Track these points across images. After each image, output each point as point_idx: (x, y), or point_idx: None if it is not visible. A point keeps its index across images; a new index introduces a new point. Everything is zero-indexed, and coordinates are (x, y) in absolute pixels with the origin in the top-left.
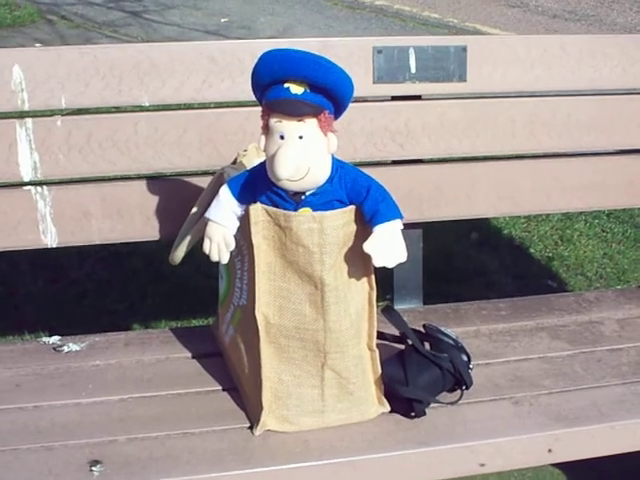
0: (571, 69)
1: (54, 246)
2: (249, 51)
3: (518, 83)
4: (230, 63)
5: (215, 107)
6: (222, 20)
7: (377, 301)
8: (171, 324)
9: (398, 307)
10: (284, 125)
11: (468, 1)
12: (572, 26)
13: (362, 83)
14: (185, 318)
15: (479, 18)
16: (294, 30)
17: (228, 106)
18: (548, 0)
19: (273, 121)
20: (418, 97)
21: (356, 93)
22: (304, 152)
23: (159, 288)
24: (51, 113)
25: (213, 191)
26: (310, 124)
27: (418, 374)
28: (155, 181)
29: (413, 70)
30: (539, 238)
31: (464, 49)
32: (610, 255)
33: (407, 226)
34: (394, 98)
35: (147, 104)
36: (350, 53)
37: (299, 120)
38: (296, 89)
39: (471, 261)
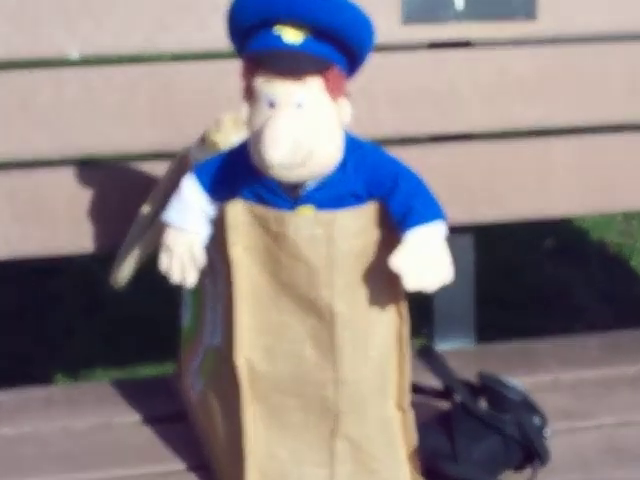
0: None
1: None
2: None
3: (615, 19)
4: None
5: (174, 60)
6: None
7: (413, 338)
8: (112, 374)
9: (441, 347)
10: (275, 88)
11: None
12: None
13: (386, 24)
14: (132, 365)
15: None
16: None
17: (193, 58)
18: None
19: (260, 82)
20: (467, 44)
21: (378, 39)
22: (304, 126)
23: (94, 322)
24: None
25: (173, 182)
26: (312, 86)
27: (470, 444)
28: (88, 168)
29: (459, 4)
30: None
31: None
32: None
33: (453, 230)
34: (432, 46)
35: (76, 56)
36: None
37: (297, 80)
38: (292, 35)
39: (546, 279)
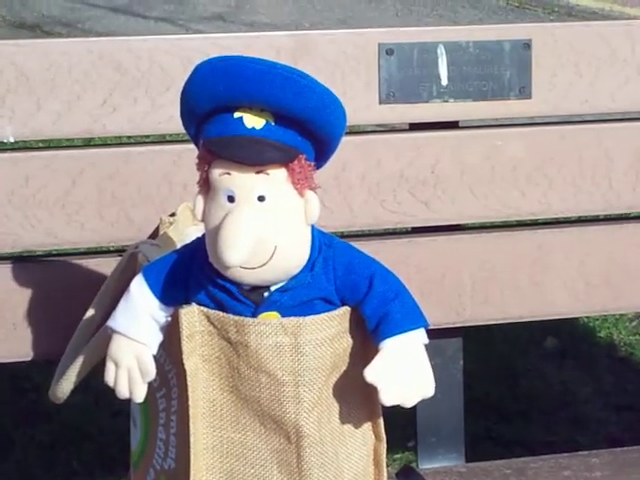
0: None
1: None
2: (178, 53)
3: (615, 98)
4: (147, 72)
5: (123, 144)
6: None
7: (391, 456)
8: None
9: (425, 466)
10: (235, 179)
11: None
12: None
13: (362, 104)
14: None
15: None
16: (253, 5)
17: (144, 143)
18: None
19: (217, 173)
20: (454, 124)
21: (353, 120)
22: (267, 223)
23: (34, 434)
24: None
25: (120, 284)
26: (276, 178)
27: None
28: (25, 265)
29: (444, 81)
30: None
31: (527, 45)
32: None
33: (437, 334)
34: (413, 127)
35: (11, 139)
36: (343, 55)
37: (259, 172)
38: (253, 121)
39: (546, 385)
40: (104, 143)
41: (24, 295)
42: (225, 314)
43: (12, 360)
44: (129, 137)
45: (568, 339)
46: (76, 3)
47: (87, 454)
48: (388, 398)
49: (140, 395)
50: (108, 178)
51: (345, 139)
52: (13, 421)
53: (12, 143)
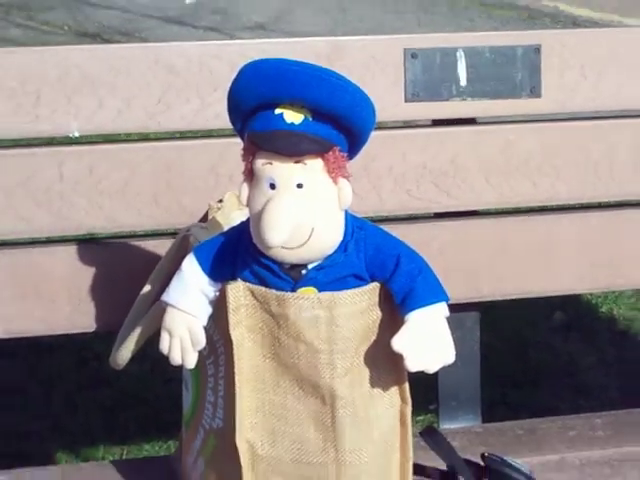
0: None
1: None
2: (224, 57)
3: (618, 98)
4: (197, 75)
5: (177, 139)
6: (187, 1)
7: (416, 417)
8: (113, 451)
9: (446, 427)
10: (276, 169)
11: None
12: None
13: (390, 102)
14: (134, 443)
15: None
16: (291, 15)
17: (195, 137)
18: None
19: (260, 163)
20: (471, 121)
21: (382, 117)
22: (304, 208)
23: (96, 398)
24: None
25: (174, 263)
26: (313, 167)
27: None
28: (89, 246)
29: (463, 82)
30: None
31: (537, 50)
32: None
33: (457, 308)
34: (436, 122)
35: (77, 134)
36: (371, 59)
37: (297, 161)
38: (292, 117)
39: (554, 355)
40: (159, 138)
41: (88, 273)
42: (267, 289)
43: (77, 331)
44: (181, 133)
45: (573, 314)
46: (133, 15)
47: (143, 417)
48: (413, 365)
49: (191, 362)
50: (163, 169)
51: (374, 133)
52: (77, 387)
53: (77, 138)
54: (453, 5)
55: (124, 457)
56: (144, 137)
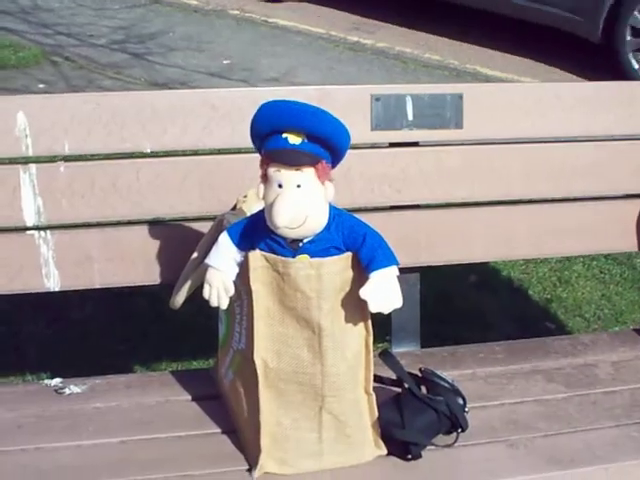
0: (566, 116)
1: (56, 289)
2: (249, 98)
3: (514, 130)
4: (230, 110)
5: (215, 154)
6: (224, 62)
7: (375, 344)
8: (172, 365)
9: (396, 350)
10: (282, 174)
11: (469, 44)
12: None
13: (360, 130)
14: (186, 359)
15: (480, 60)
16: (296, 72)
17: (228, 153)
18: None
19: (272, 170)
20: (415, 144)
21: (354, 140)
22: (302, 201)
23: (160, 329)
24: (54, 159)
25: (213, 237)
26: (308, 173)
27: (414, 417)
28: (156, 226)
29: (410, 117)
30: (538, 280)
31: (460, 97)
32: (608, 296)
33: (404, 270)
34: (392, 145)
35: (149, 150)
36: (348, 101)
37: (297, 169)
38: (294, 139)
39: (470, 303)
40: (205, 153)
41: (156, 244)
42: (276, 256)
43: (148, 283)
44: (219, 150)
45: (484, 275)
46: (188, 71)
47: (193, 341)
48: (374, 308)
49: (224, 304)
50: (207, 174)
51: (350, 151)
52: (149, 321)
53: (149, 153)
54: (405, 67)
55: (179, 369)
56: (195, 153)
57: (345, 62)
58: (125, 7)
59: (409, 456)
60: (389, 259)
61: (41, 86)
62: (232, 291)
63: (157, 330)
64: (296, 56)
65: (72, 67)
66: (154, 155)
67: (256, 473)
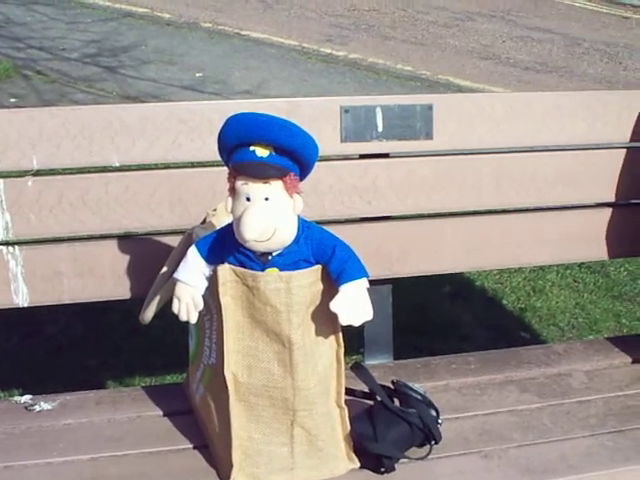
0: (536, 125)
1: (25, 305)
2: (218, 111)
3: (484, 140)
4: (200, 123)
5: (185, 167)
6: (197, 75)
7: (349, 355)
8: (145, 380)
9: (369, 362)
10: (250, 187)
11: (441, 54)
12: (544, 78)
13: (330, 142)
14: (159, 374)
15: (452, 70)
16: (268, 84)
17: (198, 166)
18: (520, 52)
19: (239, 183)
20: (386, 155)
21: (324, 152)
22: (270, 214)
23: (133, 344)
24: (23, 174)
25: (182, 251)
26: (276, 186)
27: (387, 430)
28: (126, 240)
29: (380, 128)
30: (512, 289)
31: (430, 107)
32: (582, 305)
33: (376, 282)
34: (362, 156)
35: (117, 164)
36: (318, 113)
37: (265, 182)
38: (262, 152)
39: (444, 314)
40: (174, 167)
41: (125, 258)
42: (245, 270)
43: (118, 298)
44: (189, 163)
45: (457, 286)
46: (160, 84)
47: (166, 357)
48: (344, 320)
49: (193, 319)
50: (176, 188)
51: (320, 163)
52: (120, 335)
53: (118, 166)
54: (377, 78)
55: (153, 384)
56: (165, 166)
57: (317, 74)
58: (98, 20)
59: (382, 469)
60: (359, 271)
61: (12, 100)
62: (201, 305)
63: (130, 345)
64: (268, 68)
65: (44, 81)
66: (123, 169)
67: None
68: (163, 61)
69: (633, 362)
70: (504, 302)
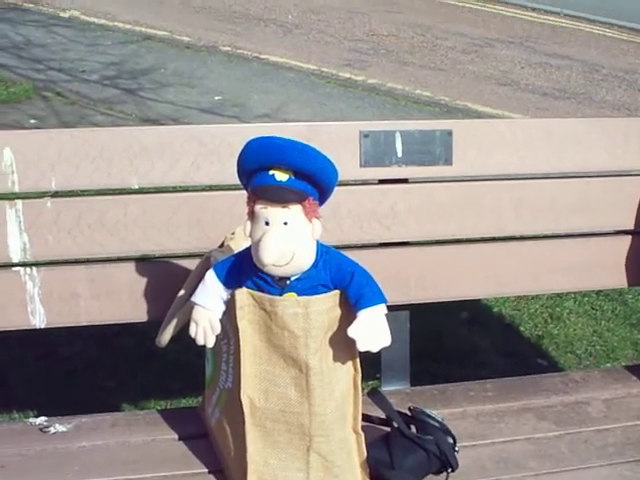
0: (556, 152)
1: (42, 326)
2: (238, 135)
3: (503, 166)
4: (219, 146)
5: (204, 190)
6: (216, 98)
7: (366, 381)
8: (161, 403)
9: (385, 388)
10: (269, 211)
11: (460, 80)
12: (562, 104)
13: (349, 167)
14: (175, 397)
15: (470, 96)
16: (287, 108)
17: (217, 189)
18: (539, 79)
19: (258, 207)
20: (405, 180)
21: (343, 176)
22: (289, 238)
23: (149, 366)
24: (41, 195)
25: (200, 274)
26: (295, 210)
27: (404, 457)
28: (144, 263)
29: (399, 154)
30: (529, 316)
31: (450, 133)
32: (599, 333)
33: (394, 308)
34: (381, 181)
35: (136, 186)
36: (337, 137)
37: (284, 206)
38: (281, 176)
39: (461, 340)
40: (193, 189)
41: (143, 281)
42: (263, 294)
43: (135, 321)
44: (208, 186)
45: (475, 312)
46: (179, 107)
47: (181, 380)
48: (362, 346)
49: (211, 343)
50: (195, 211)
51: (339, 188)
52: (136, 358)
53: (137, 189)
54: (396, 103)
55: (168, 407)
56: (183, 189)
57: (336, 98)
58: (117, 43)
59: None
60: (377, 297)
61: (32, 121)
62: (218, 329)
63: (146, 368)
64: (287, 92)
65: (64, 102)
66: (142, 191)
67: None
68: (182, 84)
69: None
70: (521, 329)
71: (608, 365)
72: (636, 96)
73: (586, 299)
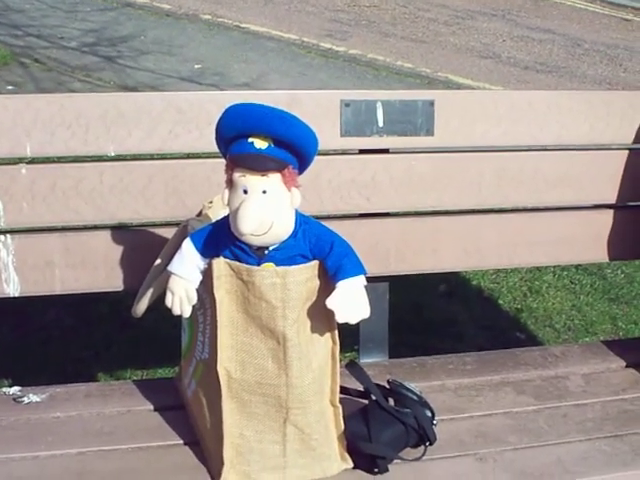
0: (538, 124)
1: (16, 295)
2: (216, 102)
3: (485, 138)
4: (197, 114)
5: (181, 158)
6: (196, 66)
7: (345, 353)
8: (137, 373)
9: (364, 360)
10: (248, 179)
11: (441, 51)
12: (543, 78)
13: (330, 136)
14: (151, 367)
15: (451, 68)
16: (267, 77)
17: (195, 157)
18: (520, 52)
19: (237, 175)
20: (385, 151)
21: (323, 146)
22: (267, 207)
23: (125, 336)
24: (16, 161)
25: (177, 243)
26: (274, 179)
27: (381, 430)
28: (120, 231)
29: (380, 124)
30: (508, 290)
31: (432, 103)
32: (578, 307)
33: (373, 280)
34: (361, 151)
35: (113, 154)
36: (318, 106)
37: (263, 175)
38: (260, 144)
39: (440, 312)
40: (170, 157)
41: (119, 250)
42: (240, 264)
43: (110, 290)
44: (185, 154)
45: (453, 285)
46: (159, 75)
47: (157, 350)
48: (341, 318)
49: (187, 313)
50: (172, 179)
51: (319, 157)
52: (112, 328)
53: (113, 156)
54: (377, 74)
55: (144, 378)
56: (160, 157)
57: (316, 68)
58: (97, 10)
59: (376, 470)
60: (357, 268)
61: (9, 87)
62: (195, 299)
63: (121, 338)
64: (267, 62)
65: (42, 69)
66: (118, 158)
67: None
68: (162, 52)
69: (629, 366)
70: (500, 302)
71: (587, 339)
72: (617, 71)
73: (565, 273)
